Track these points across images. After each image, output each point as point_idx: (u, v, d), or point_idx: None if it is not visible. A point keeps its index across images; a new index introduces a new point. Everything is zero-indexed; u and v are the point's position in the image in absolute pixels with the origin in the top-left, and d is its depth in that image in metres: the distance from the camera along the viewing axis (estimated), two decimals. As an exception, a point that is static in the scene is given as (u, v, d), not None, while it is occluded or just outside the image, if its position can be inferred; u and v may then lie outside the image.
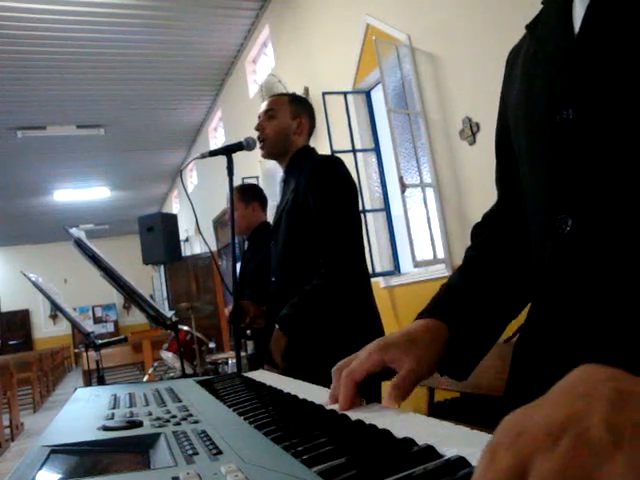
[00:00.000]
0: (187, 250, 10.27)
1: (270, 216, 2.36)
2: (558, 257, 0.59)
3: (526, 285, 0.73)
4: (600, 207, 0.53)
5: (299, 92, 4.31)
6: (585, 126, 0.54)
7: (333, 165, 1.71)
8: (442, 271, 3.23)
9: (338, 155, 3.74)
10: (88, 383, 5.87)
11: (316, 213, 1.64)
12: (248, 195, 2.66)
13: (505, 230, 0.77)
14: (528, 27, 0.68)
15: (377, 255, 3.94)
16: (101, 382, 2.58)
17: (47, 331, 16.18)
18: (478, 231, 0.82)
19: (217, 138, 8.35)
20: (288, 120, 1.80)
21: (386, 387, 0.63)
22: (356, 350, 0.65)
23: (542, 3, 0.67)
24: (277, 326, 1.64)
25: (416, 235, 3.26)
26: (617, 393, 0.27)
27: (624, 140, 0.51)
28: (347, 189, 1.69)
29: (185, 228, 10.25)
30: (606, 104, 0.52)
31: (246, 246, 2.71)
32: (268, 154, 1.83)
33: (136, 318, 14.55)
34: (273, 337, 1.65)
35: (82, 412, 0.76)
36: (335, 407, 0.59)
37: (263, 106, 1.84)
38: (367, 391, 0.62)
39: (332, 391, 0.62)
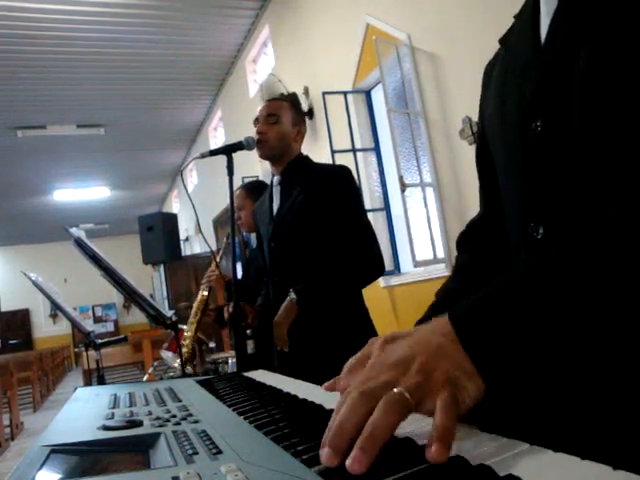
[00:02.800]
0: (187, 250, 10.26)
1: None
2: None
3: None
4: (569, 216, 0.55)
5: (299, 92, 4.31)
6: (553, 138, 0.56)
7: (349, 174, 1.82)
8: (442, 271, 3.23)
9: (338, 155, 3.79)
10: (88, 383, 5.86)
11: (340, 216, 1.72)
12: (257, 192, 2.65)
13: (492, 238, 0.78)
14: (501, 41, 0.69)
15: (377, 255, 3.94)
16: (101, 382, 2.58)
17: (47, 330, 16.19)
18: (465, 238, 0.83)
19: (217, 138, 8.35)
20: (289, 127, 1.83)
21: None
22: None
23: (514, 17, 0.68)
24: (294, 296, 1.64)
25: (416, 235, 3.26)
26: (437, 347, 0.42)
27: (591, 151, 0.52)
28: (360, 195, 1.92)
29: (185, 228, 10.25)
30: (572, 115, 0.53)
31: (254, 244, 2.72)
32: (266, 156, 1.84)
33: (136, 318, 14.55)
34: (285, 307, 1.66)
35: (82, 412, 0.76)
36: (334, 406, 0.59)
37: (263, 109, 1.83)
38: None
39: None
